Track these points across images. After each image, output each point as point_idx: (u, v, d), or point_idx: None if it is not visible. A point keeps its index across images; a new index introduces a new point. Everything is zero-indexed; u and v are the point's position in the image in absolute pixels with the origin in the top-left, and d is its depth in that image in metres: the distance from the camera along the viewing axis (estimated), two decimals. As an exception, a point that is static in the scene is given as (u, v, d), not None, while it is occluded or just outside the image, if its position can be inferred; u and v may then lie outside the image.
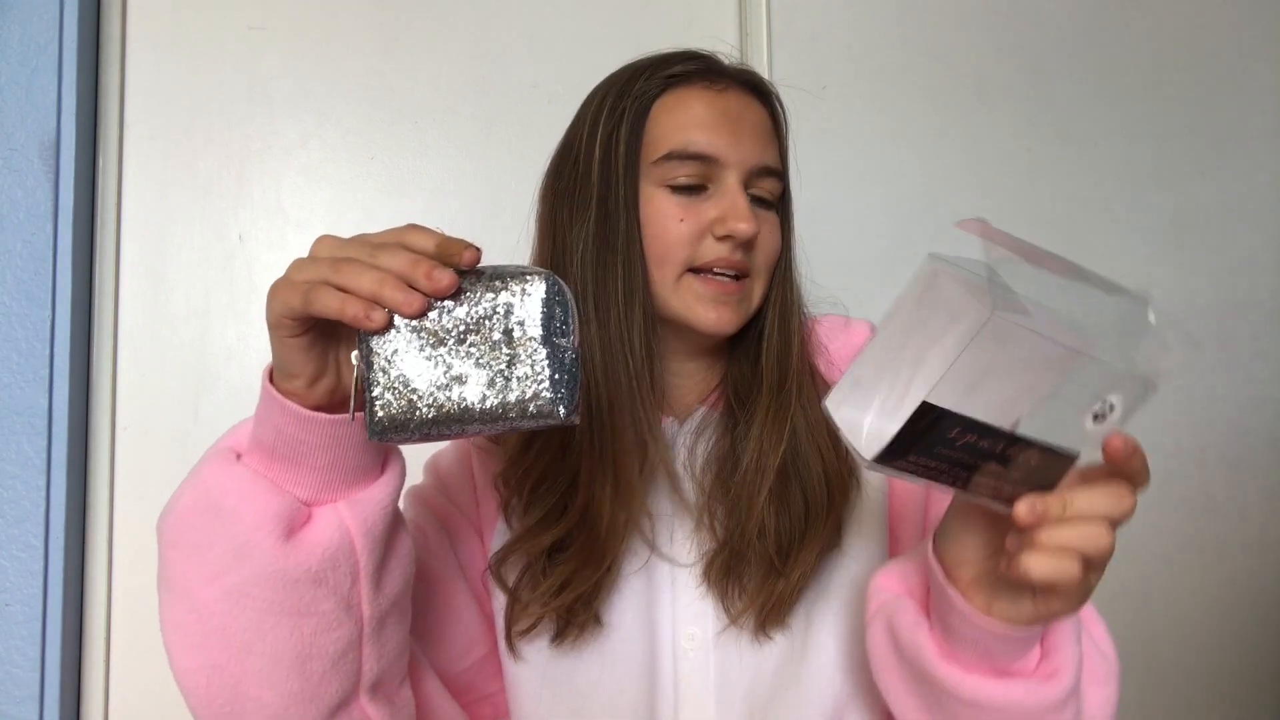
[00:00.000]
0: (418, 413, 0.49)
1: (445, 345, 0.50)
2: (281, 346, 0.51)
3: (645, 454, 0.69)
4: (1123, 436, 0.46)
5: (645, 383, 0.69)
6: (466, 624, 0.74)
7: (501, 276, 0.51)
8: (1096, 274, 0.47)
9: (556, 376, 0.50)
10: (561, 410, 0.50)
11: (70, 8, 1.11)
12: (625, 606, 0.72)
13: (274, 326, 0.51)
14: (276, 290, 0.50)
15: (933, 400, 0.43)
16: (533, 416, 0.50)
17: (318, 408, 0.53)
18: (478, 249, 0.50)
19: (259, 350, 1.17)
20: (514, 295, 0.50)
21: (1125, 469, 0.49)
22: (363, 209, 1.21)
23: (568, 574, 0.69)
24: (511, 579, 0.72)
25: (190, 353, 1.16)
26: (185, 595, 0.55)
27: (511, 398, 0.50)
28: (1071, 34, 1.42)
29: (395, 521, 0.59)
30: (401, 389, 0.49)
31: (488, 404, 0.49)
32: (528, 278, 0.51)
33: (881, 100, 1.35)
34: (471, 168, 1.23)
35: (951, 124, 1.37)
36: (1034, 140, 1.40)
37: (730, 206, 0.69)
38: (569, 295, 0.52)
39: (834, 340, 0.78)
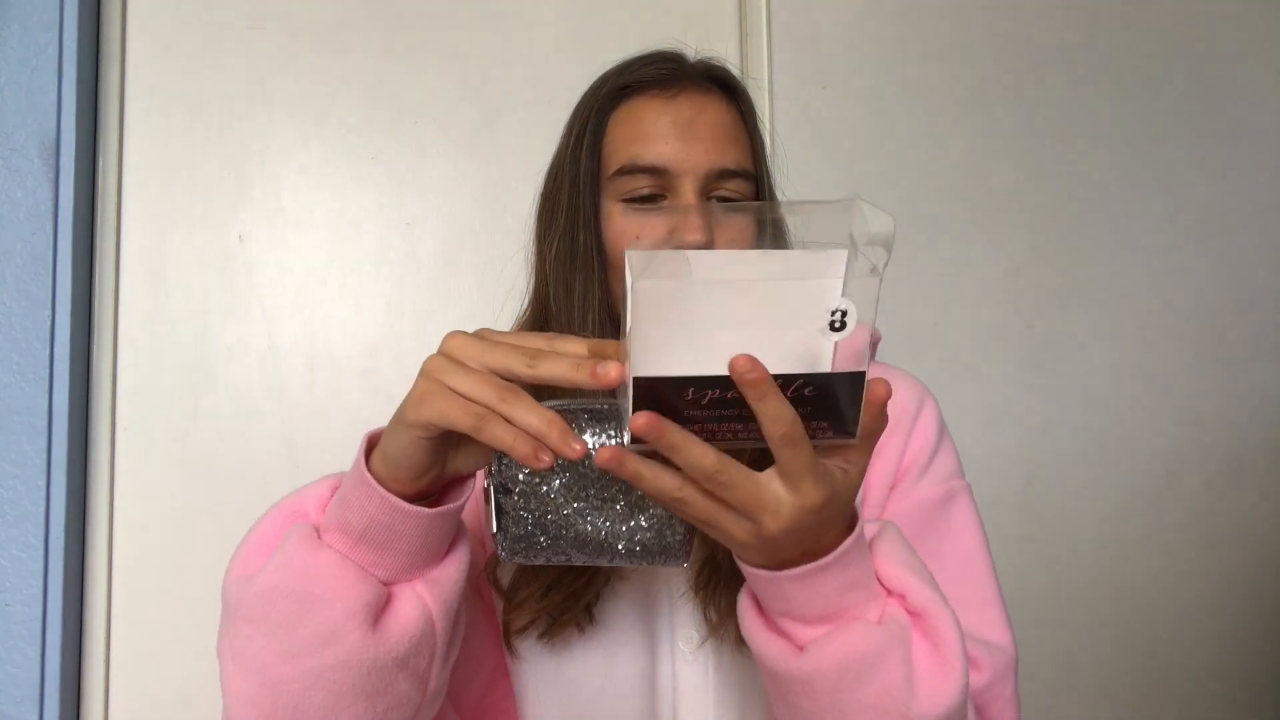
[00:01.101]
0: (555, 545, 0.52)
1: (592, 487, 0.52)
2: (411, 445, 0.50)
3: None
4: (745, 356, 0.43)
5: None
6: (480, 635, 0.74)
7: None
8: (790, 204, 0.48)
9: (684, 525, 0.53)
10: (683, 559, 0.53)
11: (70, 8, 1.11)
12: (623, 608, 0.72)
13: (415, 426, 0.49)
14: (431, 399, 0.49)
15: (641, 373, 0.44)
16: (659, 560, 0.53)
17: (416, 495, 0.53)
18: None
19: (258, 350, 1.17)
20: None
21: (754, 396, 0.44)
22: (362, 209, 1.21)
23: (553, 577, 0.69)
24: (506, 580, 0.72)
25: (190, 353, 1.16)
26: (259, 671, 0.54)
27: (638, 538, 0.53)
28: (1071, 34, 1.42)
29: (463, 594, 0.59)
30: (543, 522, 0.52)
31: (621, 547, 0.53)
32: None
33: (881, 100, 1.35)
34: (471, 168, 1.23)
35: (951, 124, 1.37)
36: (1034, 140, 1.40)
37: (681, 217, 0.69)
38: None
39: None
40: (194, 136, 1.18)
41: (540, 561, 0.53)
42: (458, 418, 0.48)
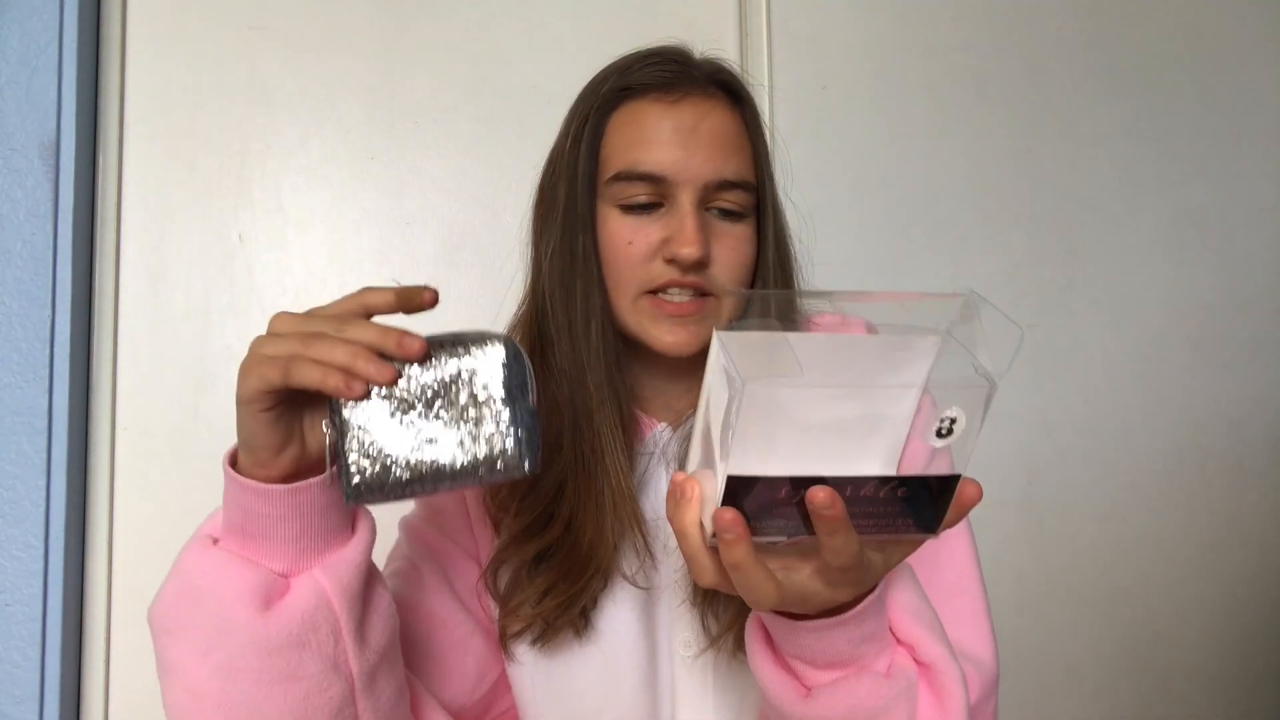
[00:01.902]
0: (392, 476, 0.52)
1: (415, 409, 0.52)
2: (253, 421, 0.52)
3: (619, 467, 0.68)
4: (826, 490, 0.43)
5: (609, 400, 0.69)
6: (476, 652, 0.73)
7: (464, 342, 0.54)
8: (906, 294, 0.48)
9: (520, 433, 0.53)
10: (526, 464, 0.53)
11: (70, 8, 1.11)
12: (621, 613, 0.72)
13: (247, 402, 0.51)
14: (250, 368, 0.51)
15: (736, 472, 0.43)
16: (500, 471, 0.53)
17: (285, 477, 0.54)
18: (434, 289, 0.53)
19: (259, 350, 1.17)
20: (475, 359, 0.53)
21: (824, 530, 0.44)
22: (362, 209, 1.21)
23: (549, 582, 0.69)
24: (503, 585, 0.72)
25: (190, 353, 1.16)
26: (181, 677, 0.55)
27: (480, 454, 0.53)
28: (1071, 34, 1.42)
29: (372, 577, 0.59)
30: (375, 454, 0.52)
31: (458, 463, 0.53)
32: (487, 342, 0.54)
33: (881, 100, 1.35)
34: (471, 168, 1.23)
35: (951, 124, 1.37)
36: (1034, 140, 1.40)
37: (677, 228, 0.67)
38: (525, 356, 0.55)
39: None
40: (194, 137, 1.18)
41: (391, 498, 0.53)
42: (269, 373, 0.50)
